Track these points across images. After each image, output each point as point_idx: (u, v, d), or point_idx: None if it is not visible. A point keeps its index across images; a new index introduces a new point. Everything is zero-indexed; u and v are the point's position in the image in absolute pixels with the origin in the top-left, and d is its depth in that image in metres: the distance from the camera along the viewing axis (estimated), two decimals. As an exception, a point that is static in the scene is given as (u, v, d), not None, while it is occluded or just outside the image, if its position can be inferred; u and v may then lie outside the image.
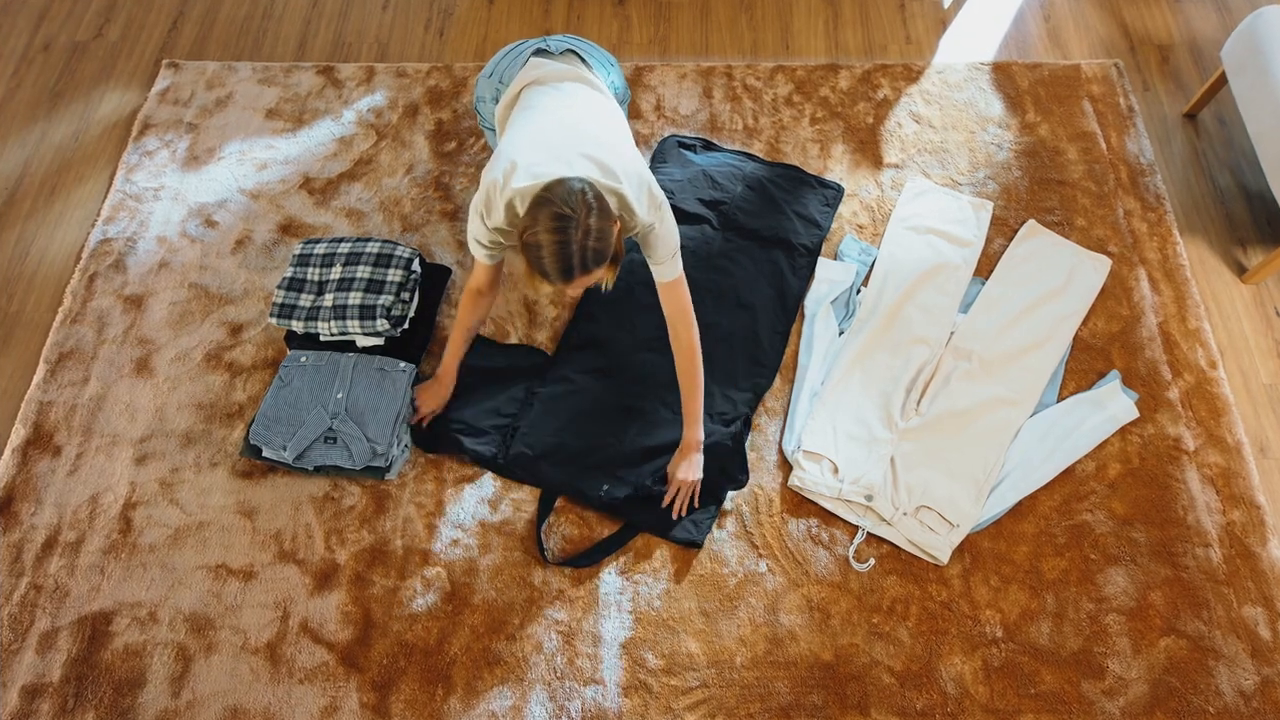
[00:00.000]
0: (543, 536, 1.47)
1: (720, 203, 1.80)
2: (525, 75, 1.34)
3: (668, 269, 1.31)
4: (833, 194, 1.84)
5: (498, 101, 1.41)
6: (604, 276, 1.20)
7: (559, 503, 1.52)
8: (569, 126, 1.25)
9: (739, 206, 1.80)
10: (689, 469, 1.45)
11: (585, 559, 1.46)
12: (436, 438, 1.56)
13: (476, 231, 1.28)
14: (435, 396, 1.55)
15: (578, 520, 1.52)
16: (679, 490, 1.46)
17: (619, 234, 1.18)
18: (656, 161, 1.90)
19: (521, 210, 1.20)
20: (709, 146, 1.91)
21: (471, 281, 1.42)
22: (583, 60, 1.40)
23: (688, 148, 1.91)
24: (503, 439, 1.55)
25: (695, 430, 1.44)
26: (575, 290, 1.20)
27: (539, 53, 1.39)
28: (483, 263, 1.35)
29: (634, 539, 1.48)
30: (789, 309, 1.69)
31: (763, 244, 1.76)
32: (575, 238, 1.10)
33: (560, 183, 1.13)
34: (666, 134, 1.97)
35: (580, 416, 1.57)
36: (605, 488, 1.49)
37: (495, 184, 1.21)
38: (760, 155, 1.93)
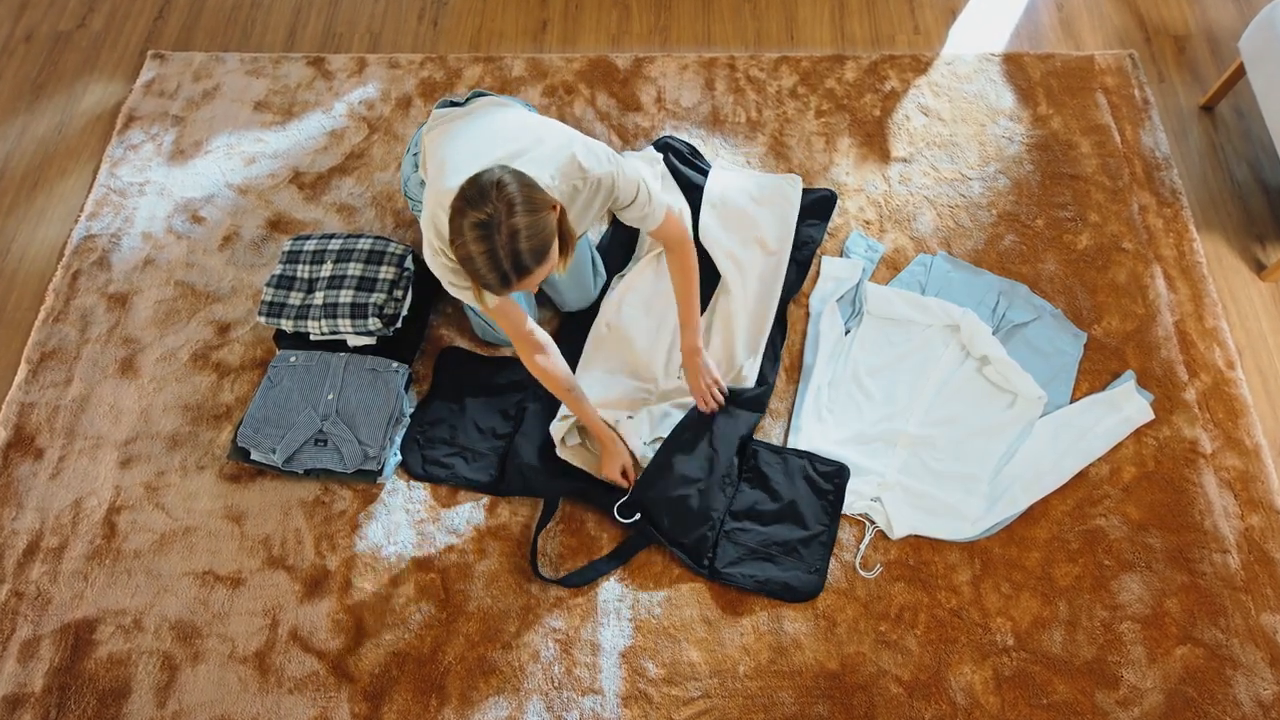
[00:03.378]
0: (537, 547, 1.43)
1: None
2: (434, 123, 1.32)
3: (651, 217, 1.27)
4: (824, 204, 1.78)
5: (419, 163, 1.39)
6: (554, 267, 1.10)
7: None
8: (488, 128, 1.20)
9: None
10: (705, 371, 1.46)
11: (581, 577, 1.41)
12: (427, 463, 1.51)
13: (450, 277, 1.17)
14: (618, 459, 1.42)
15: (574, 529, 1.48)
16: (709, 393, 1.46)
17: (561, 217, 1.08)
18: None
19: None
20: (695, 156, 1.84)
21: (512, 335, 1.28)
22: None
23: (675, 152, 1.83)
24: (499, 460, 1.51)
25: (694, 335, 1.44)
26: (526, 289, 1.11)
27: (445, 106, 1.39)
28: (489, 305, 1.20)
29: (635, 554, 1.44)
30: (781, 330, 1.65)
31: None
32: (500, 242, 1.00)
33: (473, 183, 1.02)
34: (665, 129, 1.91)
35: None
36: (618, 505, 1.43)
37: (436, 215, 1.13)
38: (753, 163, 1.88)
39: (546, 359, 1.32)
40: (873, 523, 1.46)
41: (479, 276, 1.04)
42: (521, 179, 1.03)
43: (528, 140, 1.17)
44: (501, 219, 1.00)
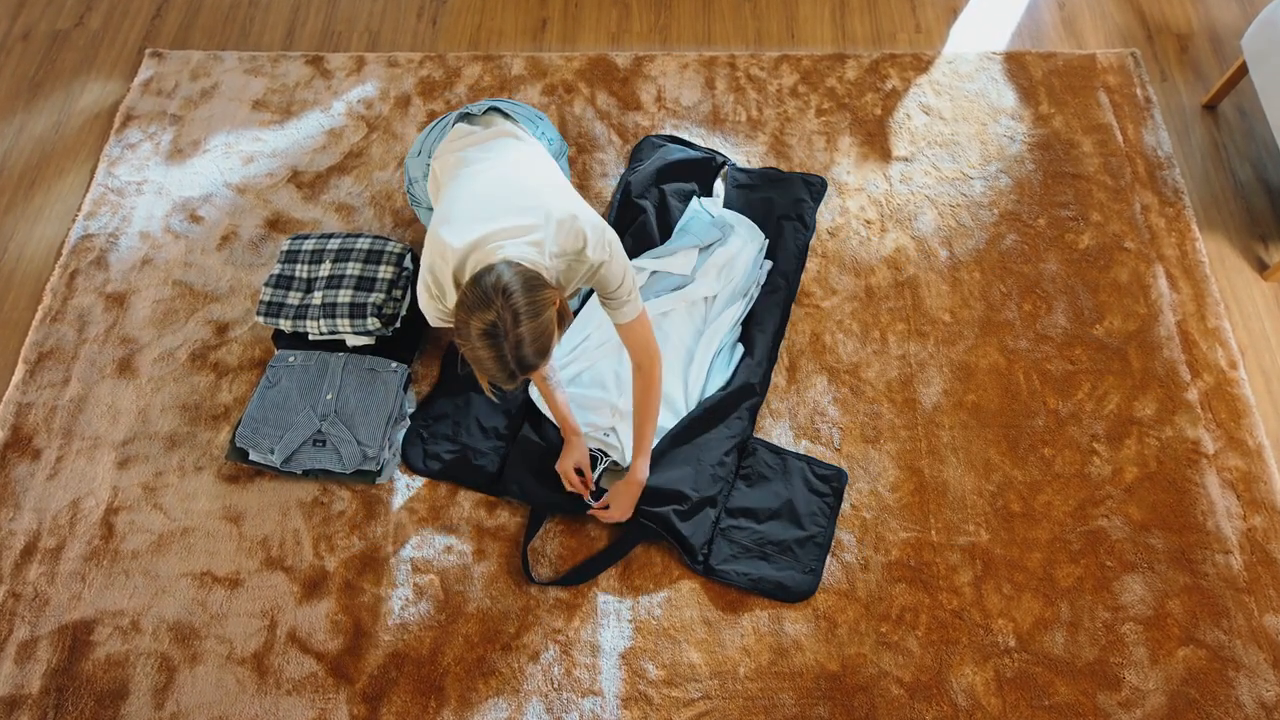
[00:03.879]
0: (528, 555, 1.43)
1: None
2: (450, 144, 1.31)
3: (628, 309, 1.23)
4: (815, 189, 1.78)
5: (428, 179, 1.37)
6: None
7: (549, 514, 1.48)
8: (498, 181, 1.19)
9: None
10: (628, 506, 1.39)
11: (577, 575, 1.41)
12: (428, 458, 1.51)
13: (439, 314, 1.18)
14: (572, 454, 1.43)
15: (574, 530, 1.47)
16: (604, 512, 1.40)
17: (561, 303, 1.10)
18: (632, 161, 1.84)
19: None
20: (690, 145, 1.84)
21: None
22: (507, 117, 1.37)
23: (673, 139, 1.84)
24: (499, 461, 1.50)
25: (644, 463, 1.38)
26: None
27: (463, 119, 1.36)
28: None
29: (632, 549, 1.44)
30: (781, 330, 1.64)
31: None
32: (507, 348, 1.03)
33: (475, 284, 1.03)
34: (666, 128, 1.91)
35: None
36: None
37: (436, 264, 1.14)
38: (754, 152, 1.87)
39: None
40: (606, 455, 1.47)
41: (488, 374, 1.07)
42: (525, 280, 1.03)
43: (537, 217, 1.15)
44: (507, 327, 1.02)
